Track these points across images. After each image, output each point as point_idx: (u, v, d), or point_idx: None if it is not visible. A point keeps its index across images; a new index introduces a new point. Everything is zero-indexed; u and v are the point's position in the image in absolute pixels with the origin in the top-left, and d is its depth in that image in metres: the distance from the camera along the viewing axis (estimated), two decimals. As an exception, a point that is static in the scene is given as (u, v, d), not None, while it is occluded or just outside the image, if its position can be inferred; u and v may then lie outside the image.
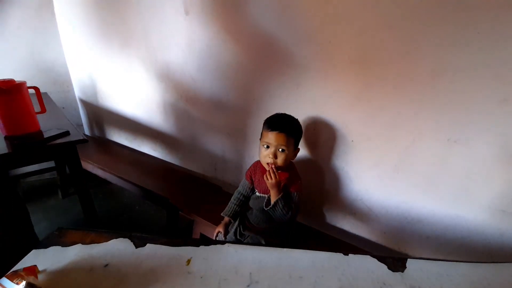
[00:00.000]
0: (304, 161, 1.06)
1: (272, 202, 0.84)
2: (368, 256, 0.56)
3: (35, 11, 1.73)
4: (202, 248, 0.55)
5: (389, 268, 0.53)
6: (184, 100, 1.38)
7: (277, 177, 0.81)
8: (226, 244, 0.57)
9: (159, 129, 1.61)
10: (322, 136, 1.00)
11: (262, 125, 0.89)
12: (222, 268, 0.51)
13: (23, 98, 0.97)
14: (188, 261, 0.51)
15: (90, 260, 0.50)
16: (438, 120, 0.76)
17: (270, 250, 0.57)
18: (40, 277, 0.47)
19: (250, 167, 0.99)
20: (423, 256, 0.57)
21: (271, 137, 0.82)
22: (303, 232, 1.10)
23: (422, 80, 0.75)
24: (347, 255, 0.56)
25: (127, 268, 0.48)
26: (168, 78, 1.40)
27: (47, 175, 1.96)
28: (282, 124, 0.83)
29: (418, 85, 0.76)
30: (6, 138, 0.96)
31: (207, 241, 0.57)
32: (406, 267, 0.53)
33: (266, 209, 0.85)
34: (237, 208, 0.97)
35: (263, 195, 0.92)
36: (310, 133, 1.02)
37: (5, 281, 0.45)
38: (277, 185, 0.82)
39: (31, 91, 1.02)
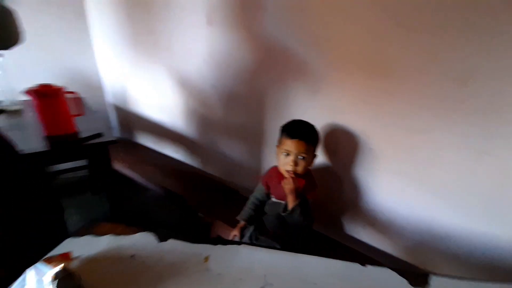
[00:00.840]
0: (321, 167, 1.05)
1: (289, 208, 0.84)
2: (388, 269, 0.54)
3: (70, 23, 1.92)
4: (219, 247, 0.57)
5: (410, 283, 0.51)
6: (205, 106, 1.45)
7: (296, 183, 0.81)
8: (242, 245, 0.59)
9: (181, 133, 1.68)
10: (340, 143, 0.99)
11: (279, 130, 0.90)
12: (238, 268, 0.52)
13: (61, 102, 1.07)
14: (206, 258, 0.54)
15: (119, 250, 0.54)
16: (466, 129, 0.73)
17: (285, 254, 0.57)
18: (74, 263, 0.52)
19: (266, 172, 1.00)
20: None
21: (291, 145, 0.83)
22: (318, 240, 1.08)
23: (447, 86, 0.73)
24: (365, 266, 0.55)
25: (150, 260, 0.52)
26: (190, 85, 1.48)
27: (80, 173, 2.12)
28: (302, 132, 0.84)
29: (443, 91, 0.74)
30: (46, 137, 1.06)
31: (224, 241, 0.59)
32: (428, 284, 0.51)
33: (283, 214, 0.86)
34: (252, 213, 0.99)
35: (279, 201, 0.92)
36: (327, 140, 1.01)
37: (42, 264, 0.50)
38: (295, 191, 0.82)
39: (70, 95, 1.12)
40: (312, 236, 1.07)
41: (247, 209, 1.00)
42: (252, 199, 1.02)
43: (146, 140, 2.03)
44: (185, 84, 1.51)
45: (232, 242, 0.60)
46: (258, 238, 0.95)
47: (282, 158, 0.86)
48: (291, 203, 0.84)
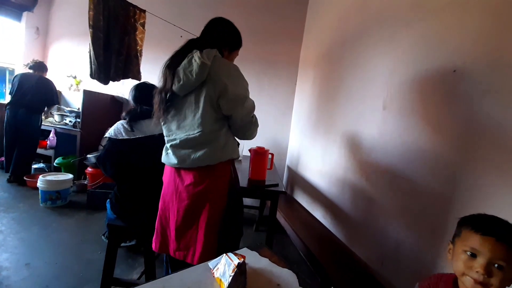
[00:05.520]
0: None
1: None
2: None
3: (282, 111, 2.94)
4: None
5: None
6: (364, 179, 1.48)
7: None
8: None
9: (333, 200, 1.79)
10: None
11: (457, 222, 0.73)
12: None
13: (265, 159, 1.62)
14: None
15: (270, 274, 0.72)
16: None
17: None
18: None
19: (428, 279, 0.80)
20: None
21: (482, 243, 0.59)
22: None
23: None
24: None
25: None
26: (354, 158, 1.61)
27: (252, 211, 2.82)
28: (501, 229, 0.59)
29: None
30: (249, 179, 1.62)
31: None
32: None
33: None
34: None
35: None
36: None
37: (232, 255, 0.79)
38: None
39: (269, 155, 1.67)
40: None
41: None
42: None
43: (302, 199, 2.33)
44: (349, 157, 1.67)
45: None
46: None
47: (464, 259, 0.61)
48: None
